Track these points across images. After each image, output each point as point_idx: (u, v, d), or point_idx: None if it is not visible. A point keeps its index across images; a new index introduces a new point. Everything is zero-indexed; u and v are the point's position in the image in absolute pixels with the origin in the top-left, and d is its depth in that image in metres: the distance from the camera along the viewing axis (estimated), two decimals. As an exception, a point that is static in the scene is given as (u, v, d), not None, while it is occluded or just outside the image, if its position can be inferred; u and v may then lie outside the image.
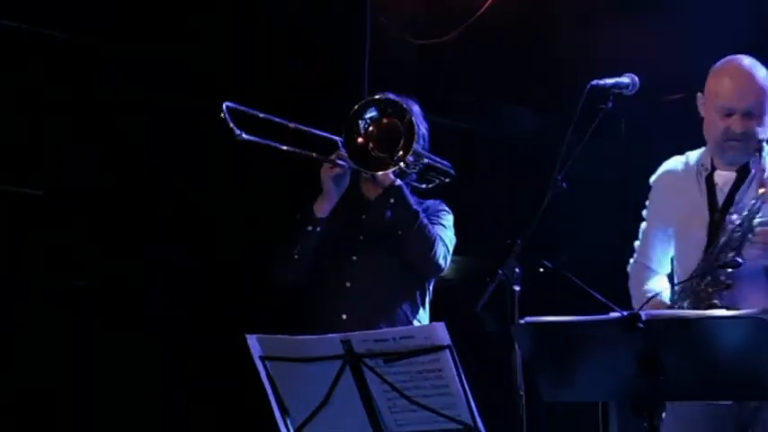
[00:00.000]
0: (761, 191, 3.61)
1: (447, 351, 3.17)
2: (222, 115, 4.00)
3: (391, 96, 4.20)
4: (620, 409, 4.26)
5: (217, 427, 5.42)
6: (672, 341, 2.97)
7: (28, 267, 5.29)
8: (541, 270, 3.23)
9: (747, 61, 3.77)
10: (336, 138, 4.17)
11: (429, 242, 4.07)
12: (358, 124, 4.11)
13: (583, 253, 6.02)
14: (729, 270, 3.57)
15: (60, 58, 5.37)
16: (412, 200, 4.13)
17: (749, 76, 3.72)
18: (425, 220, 4.10)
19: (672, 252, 3.89)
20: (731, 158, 3.77)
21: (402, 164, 4.08)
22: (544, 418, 3.67)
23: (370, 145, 4.11)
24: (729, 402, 3.62)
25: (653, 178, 3.97)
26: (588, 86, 3.52)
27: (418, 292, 4.21)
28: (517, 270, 3.32)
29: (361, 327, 3.89)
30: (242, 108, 4.08)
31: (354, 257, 4.16)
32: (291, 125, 4.17)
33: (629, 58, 4.77)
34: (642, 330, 2.95)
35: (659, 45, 5.45)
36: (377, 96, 4.18)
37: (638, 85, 3.64)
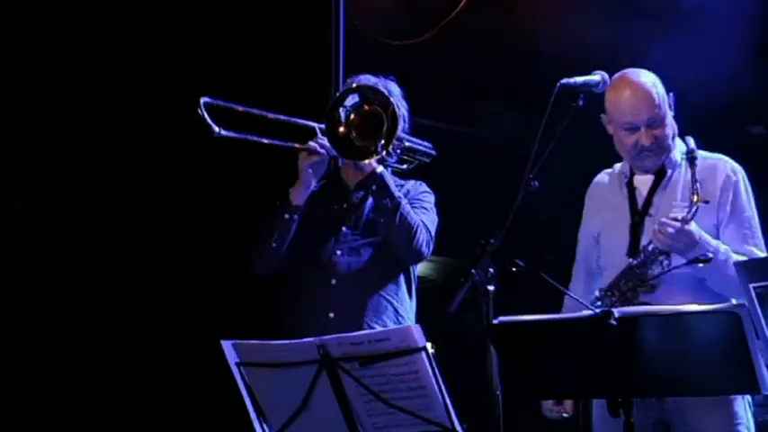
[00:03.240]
0: (695, 198, 3.69)
1: (423, 353, 3.18)
2: (199, 111, 3.97)
3: (371, 81, 4.18)
4: (600, 407, 4.26)
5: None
6: (644, 337, 3.00)
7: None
8: (514, 269, 3.23)
9: (634, 74, 3.88)
10: (315, 125, 4.13)
11: (411, 230, 4.05)
12: (339, 113, 4.07)
13: (565, 252, 6.05)
14: (653, 269, 3.72)
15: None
16: (393, 187, 4.10)
17: (641, 89, 3.83)
18: (407, 208, 4.08)
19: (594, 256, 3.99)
20: (650, 165, 3.89)
21: (385, 152, 4.06)
22: (522, 418, 3.67)
23: (353, 134, 4.08)
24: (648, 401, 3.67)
25: (587, 191, 4.12)
26: (558, 85, 3.53)
27: (404, 281, 4.19)
28: (491, 270, 3.32)
29: (349, 325, 3.93)
30: (219, 103, 4.05)
31: (339, 252, 4.14)
32: (271, 116, 4.14)
33: (607, 55, 4.78)
34: (615, 327, 2.97)
35: (640, 43, 5.47)
36: (356, 84, 4.15)
37: (608, 82, 3.68)
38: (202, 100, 4.00)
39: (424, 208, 4.18)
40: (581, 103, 3.57)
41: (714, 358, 2.98)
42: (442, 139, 5.87)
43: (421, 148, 4.25)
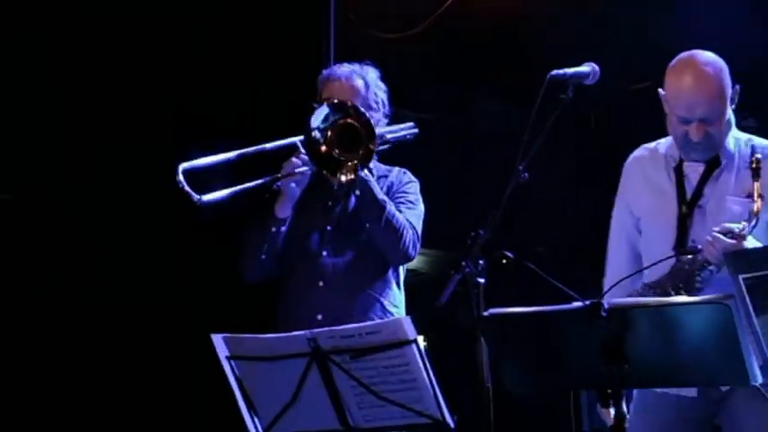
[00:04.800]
0: (756, 208, 3.50)
1: (413, 345, 3.19)
2: (178, 180, 3.86)
3: (347, 70, 4.15)
4: (592, 398, 4.27)
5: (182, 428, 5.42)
6: (635, 329, 2.97)
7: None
8: (504, 261, 3.23)
9: (703, 61, 3.64)
10: (295, 140, 4.06)
11: (397, 232, 4.02)
12: (315, 135, 3.97)
13: (560, 243, 6.07)
14: (704, 273, 3.54)
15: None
16: (378, 190, 4.06)
17: (704, 80, 3.60)
18: (392, 210, 4.04)
19: (639, 241, 3.82)
20: (694, 158, 3.70)
21: (366, 163, 4.00)
22: (513, 410, 3.68)
23: (335, 150, 3.99)
24: (694, 393, 3.63)
25: (626, 163, 3.89)
26: (548, 77, 3.51)
27: (393, 276, 4.17)
28: (481, 262, 3.30)
29: (338, 326, 3.87)
30: (199, 165, 3.93)
31: (325, 252, 4.12)
32: (251, 150, 4.04)
33: (597, 47, 4.79)
34: (605, 319, 2.96)
35: (627, 33, 5.48)
36: (323, 102, 4.05)
37: (598, 74, 3.61)
38: (180, 167, 3.89)
39: (410, 202, 4.15)
40: (571, 94, 3.53)
41: (704, 349, 2.96)
42: (434, 131, 5.89)
43: (401, 133, 4.20)
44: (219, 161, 4.02)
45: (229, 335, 3.34)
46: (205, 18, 5.54)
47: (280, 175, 4.06)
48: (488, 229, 3.32)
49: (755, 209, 3.50)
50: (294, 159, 4.06)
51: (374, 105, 4.16)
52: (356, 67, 4.19)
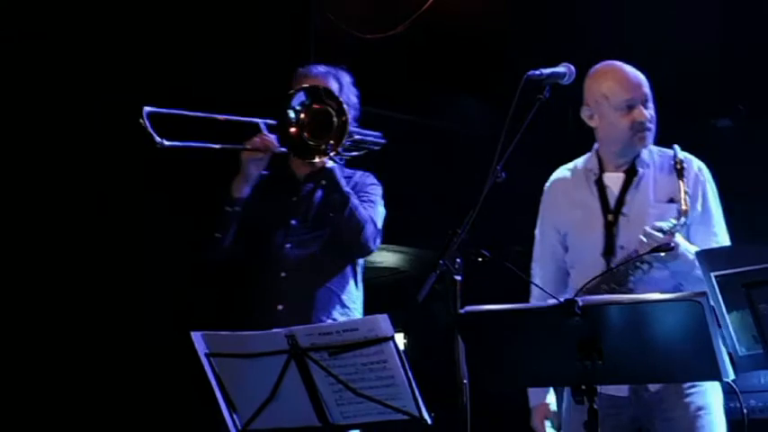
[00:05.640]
0: (683, 207, 3.69)
1: (391, 342, 3.22)
2: (141, 122, 4.00)
3: (323, 71, 4.23)
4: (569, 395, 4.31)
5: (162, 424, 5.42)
6: (608, 326, 3.02)
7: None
8: (480, 260, 3.27)
9: (618, 62, 3.90)
10: (259, 120, 4.17)
11: (359, 225, 4.12)
12: (289, 113, 4.11)
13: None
14: (637, 272, 3.70)
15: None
16: (343, 182, 4.16)
17: (632, 69, 3.86)
18: (356, 202, 4.14)
19: (564, 257, 3.97)
20: (642, 147, 3.87)
21: (334, 153, 4.09)
22: (490, 406, 3.71)
23: (304, 134, 4.12)
24: (626, 393, 3.73)
25: (545, 186, 4.07)
26: (525, 77, 3.56)
27: (351, 272, 4.26)
28: (458, 260, 3.34)
29: (297, 317, 3.99)
30: (163, 111, 4.06)
31: (288, 245, 4.20)
32: (219, 117, 4.16)
33: (578, 47, 4.83)
34: (579, 316, 3.00)
35: (608, 34, 5.52)
36: (307, 84, 4.17)
37: (574, 74, 3.69)
38: (145, 110, 4.02)
39: (372, 201, 4.25)
40: (547, 94, 3.59)
41: (676, 346, 3.01)
42: (414, 131, 5.93)
43: (370, 138, 4.29)
44: (184, 113, 4.12)
45: (208, 332, 3.37)
46: (181, 16, 5.55)
47: (245, 146, 4.15)
48: (465, 228, 3.36)
49: (683, 207, 3.69)
50: (257, 139, 4.17)
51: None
52: (332, 69, 4.27)
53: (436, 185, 5.87)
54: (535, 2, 5.70)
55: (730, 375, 3.06)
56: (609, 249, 3.80)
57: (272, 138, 4.16)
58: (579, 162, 4.01)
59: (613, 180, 3.89)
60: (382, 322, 3.21)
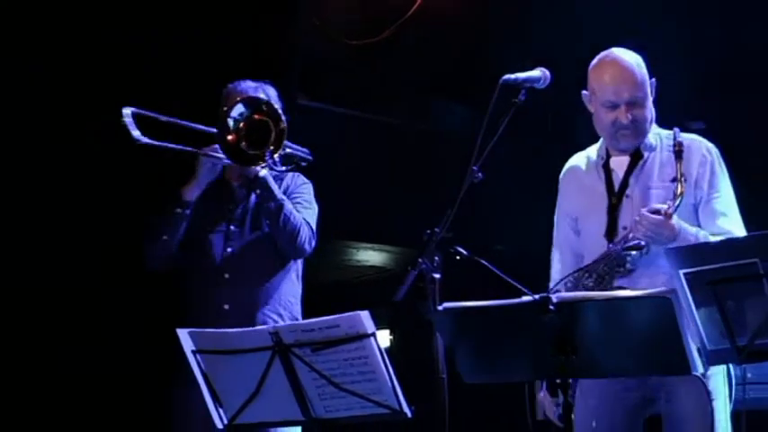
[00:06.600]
0: (679, 190, 3.74)
1: (372, 339, 3.30)
2: (123, 120, 4.16)
3: (252, 86, 4.39)
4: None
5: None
6: (582, 322, 3.11)
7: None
8: (458, 258, 3.35)
9: (621, 53, 3.93)
10: (213, 130, 4.32)
11: (294, 230, 4.30)
12: (228, 122, 4.26)
13: (516, 242, 6.19)
14: (633, 253, 3.74)
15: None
16: (276, 189, 4.32)
17: (625, 67, 3.88)
18: (289, 208, 4.31)
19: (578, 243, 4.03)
20: (625, 146, 3.94)
21: (271, 161, 4.23)
22: (468, 401, 3.79)
23: (242, 142, 4.27)
24: (633, 380, 3.78)
25: (561, 175, 4.14)
26: (500, 81, 3.65)
27: (290, 269, 4.43)
28: (437, 258, 3.43)
29: (243, 316, 4.21)
30: (144, 112, 4.23)
31: (229, 249, 4.36)
32: (185, 124, 4.32)
33: (561, 51, 4.92)
34: (554, 312, 3.08)
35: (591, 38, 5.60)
36: (245, 96, 4.33)
37: (549, 78, 3.77)
38: (130, 110, 4.19)
39: (306, 201, 4.43)
40: (522, 98, 3.68)
41: (647, 341, 3.09)
42: (397, 134, 6.01)
43: (299, 153, 4.47)
44: (161, 118, 4.28)
45: (195, 330, 3.47)
46: (167, 18, 5.61)
47: (205, 152, 4.34)
48: (444, 227, 3.44)
49: (679, 189, 3.74)
50: (215, 146, 4.34)
51: None
52: (260, 84, 4.44)
53: (419, 186, 5.94)
54: (515, 7, 5.77)
55: (699, 369, 3.16)
56: (611, 230, 3.86)
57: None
58: (592, 149, 4.07)
59: (619, 164, 3.95)
60: (363, 319, 3.29)
